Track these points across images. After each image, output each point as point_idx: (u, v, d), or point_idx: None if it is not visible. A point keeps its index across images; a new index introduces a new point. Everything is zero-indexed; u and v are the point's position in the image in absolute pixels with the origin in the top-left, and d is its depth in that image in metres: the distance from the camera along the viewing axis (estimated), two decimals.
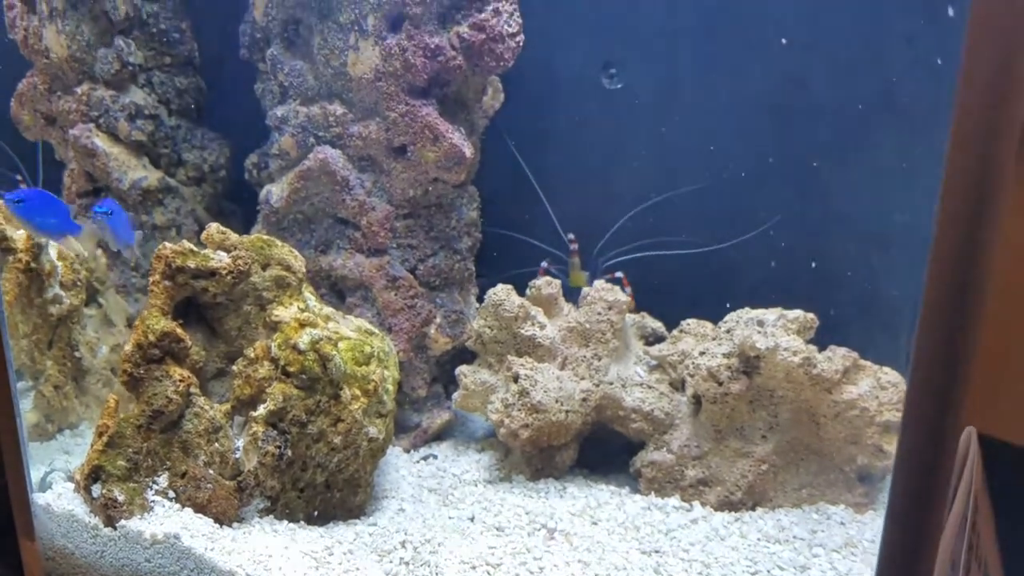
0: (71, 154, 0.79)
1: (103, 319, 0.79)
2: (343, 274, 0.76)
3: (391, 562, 0.63)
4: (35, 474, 0.73)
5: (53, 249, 0.76)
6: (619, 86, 0.81)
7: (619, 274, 0.81)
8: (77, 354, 0.76)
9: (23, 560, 0.72)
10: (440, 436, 0.82)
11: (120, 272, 0.82)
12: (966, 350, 0.43)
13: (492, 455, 0.78)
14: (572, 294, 0.81)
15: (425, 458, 0.79)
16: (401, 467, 0.76)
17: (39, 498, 0.71)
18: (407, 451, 0.80)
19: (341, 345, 0.66)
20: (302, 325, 0.66)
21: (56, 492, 0.70)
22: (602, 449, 0.81)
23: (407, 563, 0.63)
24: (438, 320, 0.78)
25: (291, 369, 0.66)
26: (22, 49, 0.78)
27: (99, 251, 0.79)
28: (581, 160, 0.84)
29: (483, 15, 0.69)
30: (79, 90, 0.77)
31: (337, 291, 0.77)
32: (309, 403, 0.66)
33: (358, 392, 0.66)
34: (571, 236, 0.81)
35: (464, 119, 0.73)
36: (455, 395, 0.78)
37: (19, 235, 0.77)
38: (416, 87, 0.69)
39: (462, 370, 0.77)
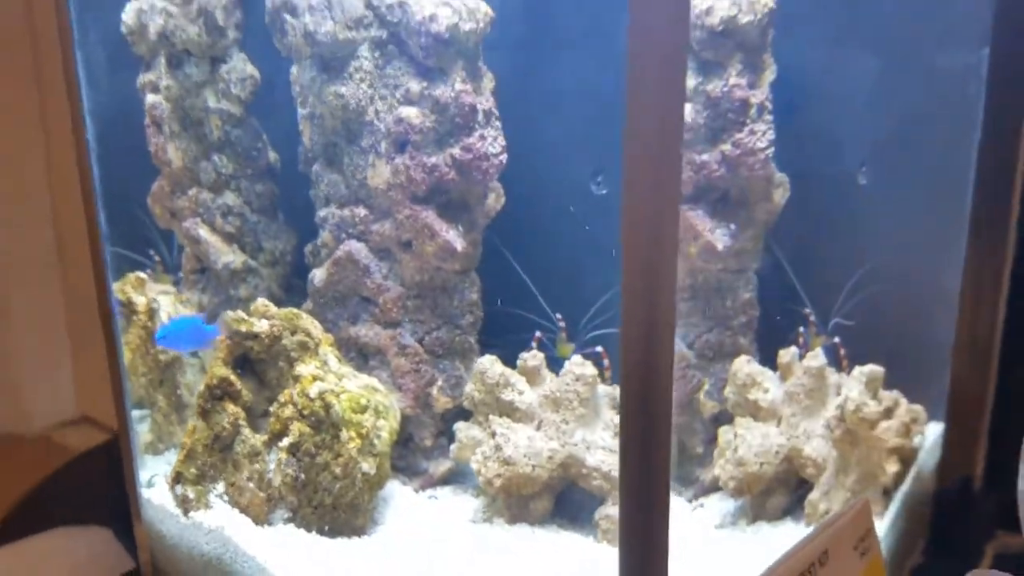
0: (184, 241, 1.04)
1: (200, 367, 1.03)
2: (365, 341, 0.94)
3: (379, 569, 0.81)
4: (145, 476, 0.96)
5: (164, 313, 1.02)
6: (605, 191, 0.95)
7: (599, 348, 0.94)
8: (179, 392, 1.00)
9: (136, 539, 0.95)
10: (446, 481, 0.96)
11: None
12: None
13: (483, 501, 0.92)
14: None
15: (430, 498, 0.95)
16: (406, 504, 0.93)
17: (145, 493, 0.94)
18: (416, 491, 0.95)
19: (343, 396, 0.84)
20: (314, 379, 0.85)
21: (156, 490, 0.94)
22: (582, 503, 0.93)
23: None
24: (440, 383, 0.94)
25: (305, 412, 0.85)
26: (154, 159, 1.04)
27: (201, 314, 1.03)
28: (572, 250, 0.99)
29: (471, 139, 0.86)
30: (190, 192, 1.02)
31: (363, 355, 0.96)
32: (317, 439, 0.85)
33: (354, 434, 0.83)
34: (559, 315, 0.95)
35: (465, 220, 0.90)
36: (452, 447, 0.93)
37: (140, 300, 1.03)
38: (418, 196, 0.87)
39: (458, 426, 0.92)
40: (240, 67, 0.98)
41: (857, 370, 0.92)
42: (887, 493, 0.87)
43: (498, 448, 0.86)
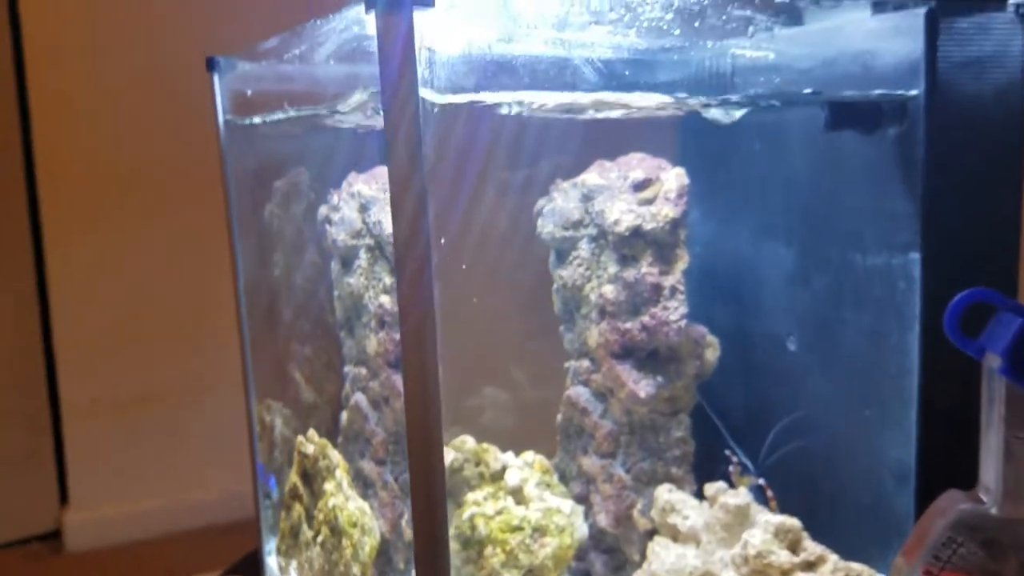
0: (290, 379, 1.42)
1: None
2: (366, 474, 1.22)
3: None
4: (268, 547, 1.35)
5: (277, 430, 1.39)
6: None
7: (761, 481, 1.14)
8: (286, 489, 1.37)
9: None
10: None
11: None
12: None
13: None
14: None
15: None
16: None
17: (267, 559, 1.32)
18: None
19: (344, 512, 1.13)
20: (331, 495, 1.15)
21: (273, 557, 1.31)
22: None
23: None
24: (407, 516, 1.19)
25: (327, 519, 1.16)
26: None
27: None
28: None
29: None
30: (293, 344, 1.39)
31: (365, 485, 1.24)
32: (332, 541, 1.15)
33: (348, 543, 1.12)
34: (728, 451, 1.20)
35: None
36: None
37: (267, 419, 1.41)
38: (390, 362, 1.15)
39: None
40: (309, 257, 1.34)
41: (766, 518, 1.00)
42: None
43: None
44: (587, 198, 1.20)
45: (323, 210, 1.26)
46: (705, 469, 1.21)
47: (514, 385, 1.42)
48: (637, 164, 1.19)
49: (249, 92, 1.28)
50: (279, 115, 1.15)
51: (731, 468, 1.17)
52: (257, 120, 1.25)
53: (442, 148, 1.19)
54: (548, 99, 0.88)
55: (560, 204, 1.22)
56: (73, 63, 2.04)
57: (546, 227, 1.23)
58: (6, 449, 2.13)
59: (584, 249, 1.20)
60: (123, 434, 2.19)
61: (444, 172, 1.22)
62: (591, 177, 1.20)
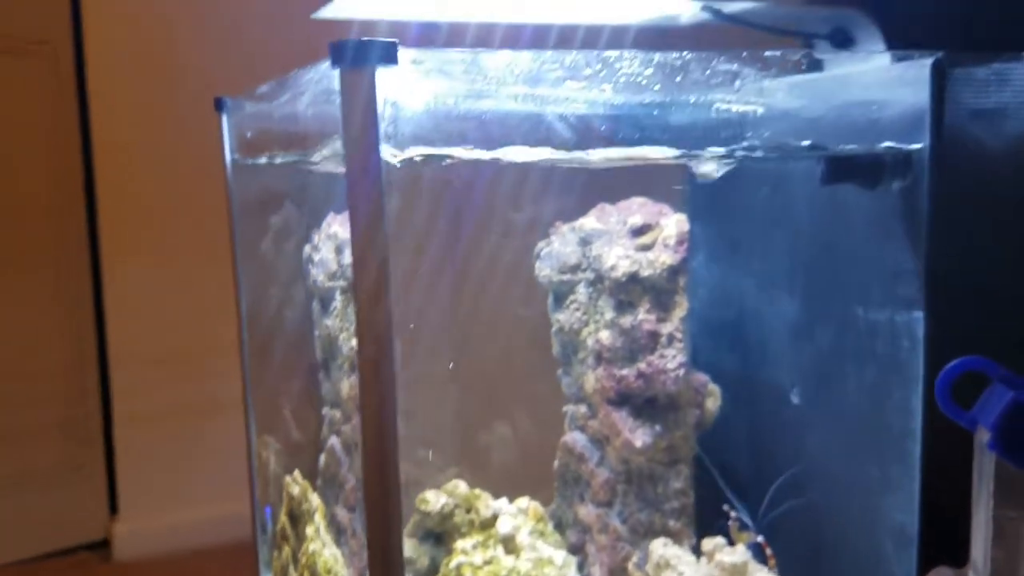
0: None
1: None
2: (340, 520, 1.22)
3: None
4: None
5: (270, 463, 1.39)
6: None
7: (760, 538, 1.10)
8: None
9: None
10: None
11: None
12: None
13: None
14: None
15: None
16: None
17: None
18: None
19: (320, 559, 1.12)
20: (311, 540, 1.15)
21: None
22: None
23: None
24: None
25: (308, 564, 1.15)
26: None
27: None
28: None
29: None
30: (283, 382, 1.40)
31: (339, 531, 1.22)
32: None
33: None
34: (727, 507, 1.15)
35: None
36: None
37: (263, 454, 1.41)
38: None
39: None
40: (300, 295, 1.35)
41: None
42: None
43: None
44: (585, 242, 1.18)
45: (307, 249, 1.27)
46: (705, 522, 1.17)
47: (514, 427, 1.41)
48: (637, 209, 1.17)
49: (249, 134, 1.30)
50: (266, 159, 1.16)
51: (729, 523, 1.13)
52: (255, 161, 1.26)
53: (437, 196, 1.20)
54: (523, 155, 0.86)
55: (558, 248, 1.20)
56: (133, 87, 2.11)
57: (543, 270, 1.22)
58: (57, 458, 2.17)
59: (581, 293, 1.18)
60: (173, 445, 2.20)
61: (437, 220, 1.22)
62: (590, 221, 1.19)
